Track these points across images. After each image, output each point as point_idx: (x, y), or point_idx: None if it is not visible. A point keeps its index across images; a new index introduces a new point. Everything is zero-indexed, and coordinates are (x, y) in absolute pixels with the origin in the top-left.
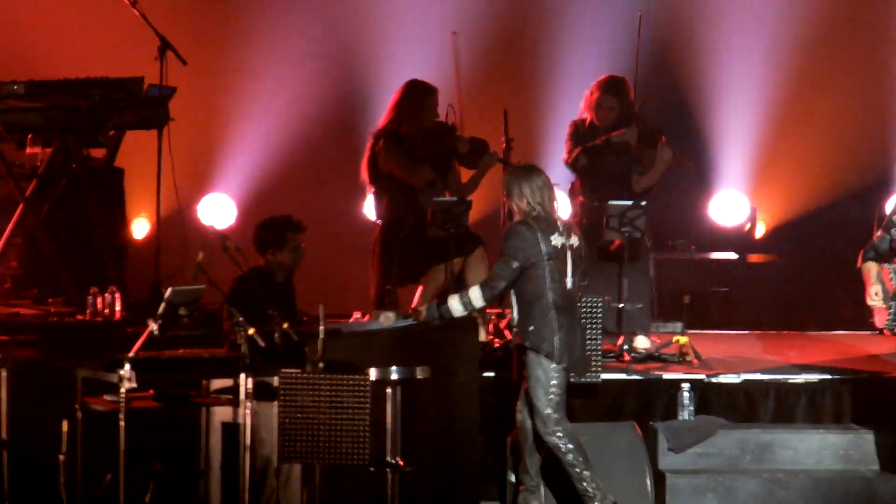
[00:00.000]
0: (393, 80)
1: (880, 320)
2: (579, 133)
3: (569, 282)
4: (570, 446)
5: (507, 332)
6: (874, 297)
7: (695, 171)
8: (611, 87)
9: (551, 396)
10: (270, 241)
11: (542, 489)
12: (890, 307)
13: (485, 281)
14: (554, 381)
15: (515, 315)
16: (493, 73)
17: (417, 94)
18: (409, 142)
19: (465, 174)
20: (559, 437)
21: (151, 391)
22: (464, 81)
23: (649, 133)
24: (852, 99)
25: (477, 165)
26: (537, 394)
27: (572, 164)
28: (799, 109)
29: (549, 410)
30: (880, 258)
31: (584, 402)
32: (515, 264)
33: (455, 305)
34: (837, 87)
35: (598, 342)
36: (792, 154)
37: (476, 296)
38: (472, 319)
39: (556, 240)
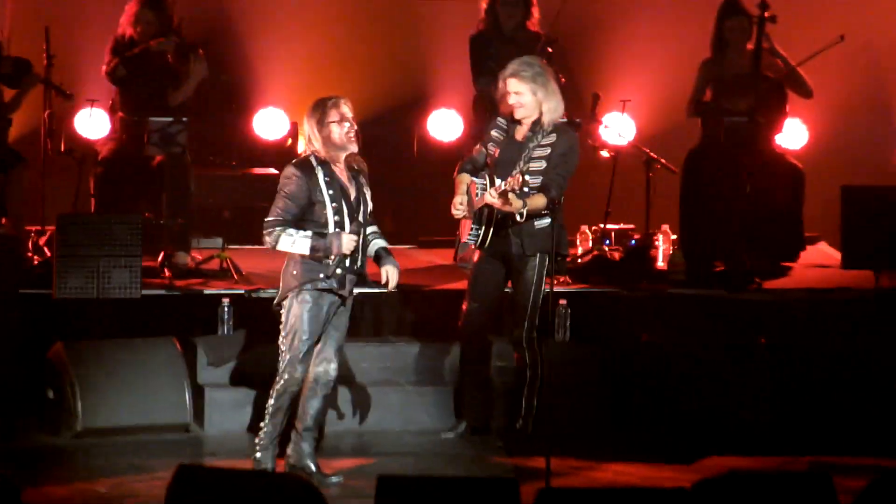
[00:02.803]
0: None
1: (465, 233)
2: (119, 46)
3: None
4: None
5: (46, 250)
6: (457, 206)
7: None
8: (149, 2)
9: None
10: None
11: None
12: (474, 221)
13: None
14: None
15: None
16: None
17: None
18: None
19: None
20: None
21: None
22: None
23: (186, 46)
24: (396, 16)
25: (20, 85)
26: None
27: (111, 74)
28: (342, 22)
29: None
30: (476, 171)
31: (123, 318)
32: None
33: None
34: (371, 11)
35: (138, 259)
36: (332, 69)
37: None
38: (11, 237)
39: None
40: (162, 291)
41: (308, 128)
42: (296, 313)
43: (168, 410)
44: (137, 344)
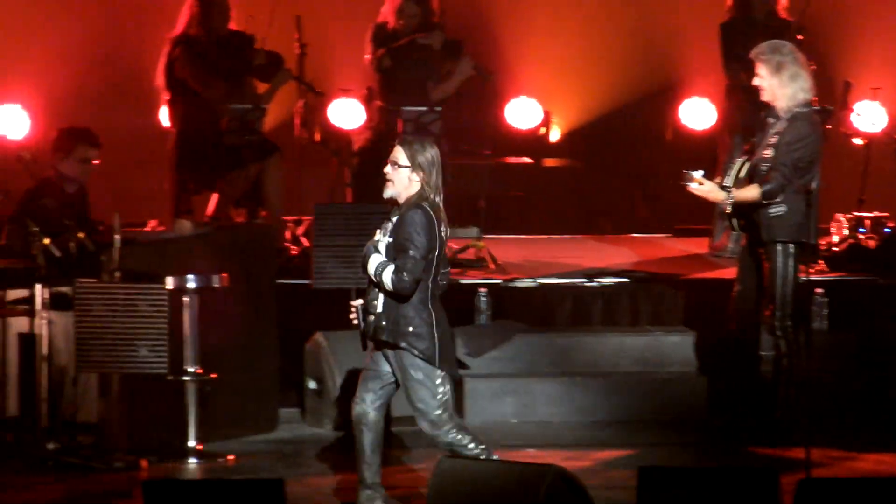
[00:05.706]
0: None
1: None
2: (381, 36)
3: (442, 274)
4: (468, 439)
5: (303, 240)
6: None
7: (493, 80)
8: None
9: (440, 397)
10: (59, 148)
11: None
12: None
13: (397, 268)
14: (440, 382)
15: (381, 309)
16: None
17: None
18: (202, 48)
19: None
20: (454, 436)
21: None
22: None
23: (452, 43)
24: (647, 6)
25: (271, 79)
26: (421, 396)
27: (377, 65)
28: (594, 14)
29: (439, 411)
30: None
31: None
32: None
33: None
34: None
35: None
36: (586, 59)
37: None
38: (268, 228)
39: (444, 229)
40: None
41: None
42: None
43: None
44: None
